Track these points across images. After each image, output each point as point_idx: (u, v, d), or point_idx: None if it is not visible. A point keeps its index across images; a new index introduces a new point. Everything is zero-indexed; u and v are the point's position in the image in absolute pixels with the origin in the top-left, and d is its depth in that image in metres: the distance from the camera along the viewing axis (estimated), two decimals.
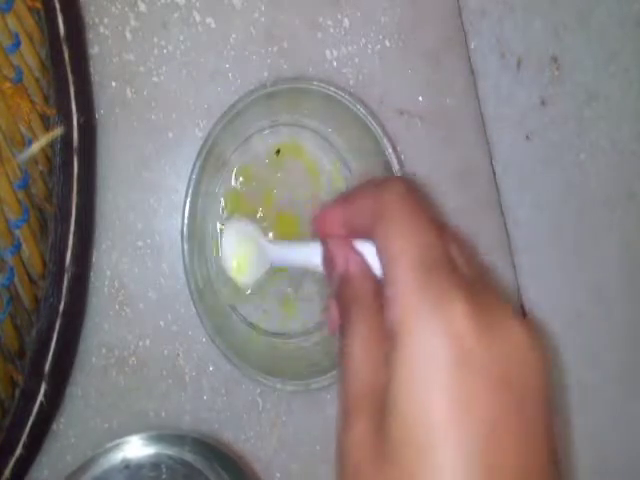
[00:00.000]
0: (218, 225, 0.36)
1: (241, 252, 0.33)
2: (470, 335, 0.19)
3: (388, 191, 0.23)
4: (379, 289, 0.22)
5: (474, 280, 0.22)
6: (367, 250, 0.24)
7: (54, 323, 0.37)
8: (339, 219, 0.25)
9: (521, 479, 0.19)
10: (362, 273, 0.24)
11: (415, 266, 0.20)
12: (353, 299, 0.23)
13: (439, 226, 0.22)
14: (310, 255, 0.27)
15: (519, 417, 0.19)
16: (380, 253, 0.22)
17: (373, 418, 0.20)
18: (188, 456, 0.37)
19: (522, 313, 0.45)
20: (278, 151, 0.41)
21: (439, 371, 0.19)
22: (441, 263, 0.21)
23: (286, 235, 0.41)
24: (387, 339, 0.20)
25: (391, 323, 0.20)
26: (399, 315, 0.20)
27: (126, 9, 0.40)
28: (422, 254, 0.21)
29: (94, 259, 0.40)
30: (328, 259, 0.25)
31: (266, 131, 0.41)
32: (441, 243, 0.21)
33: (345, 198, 0.25)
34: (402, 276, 0.20)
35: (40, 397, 0.36)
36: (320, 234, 0.26)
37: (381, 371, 0.20)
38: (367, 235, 0.23)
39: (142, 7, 0.40)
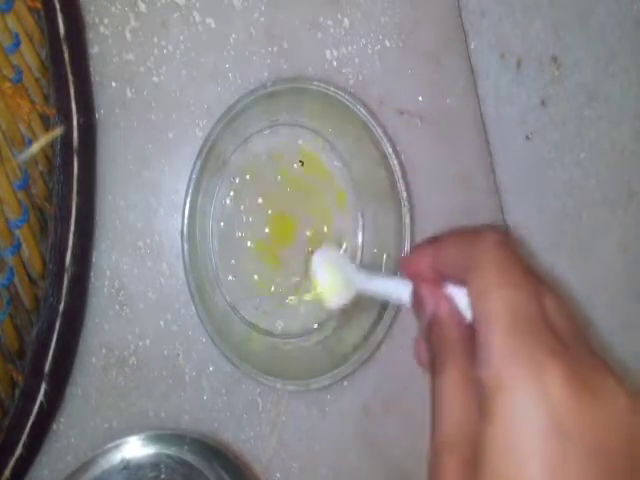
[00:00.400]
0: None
1: (330, 278, 0.34)
2: (566, 404, 0.19)
3: (483, 241, 0.22)
4: (469, 333, 0.23)
5: (570, 338, 0.22)
6: (457, 294, 0.24)
7: (54, 323, 0.37)
8: (429, 262, 0.25)
9: None
10: (451, 317, 0.24)
11: (509, 329, 0.20)
12: (443, 343, 0.24)
13: (534, 280, 0.22)
14: (397, 289, 0.28)
15: None
16: (473, 307, 0.22)
17: (465, 468, 0.20)
18: (187, 456, 0.37)
19: None
20: (302, 163, 0.41)
21: (533, 438, 0.19)
22: (536, 325, 0.20)
23: (283, 234, 0.41)
24: (479, 388, 0.20)
25: (483, 383, 0.20)
26: (492, 379, 0.20)
27: (126, 9, 0.40)
28: (516, 315, 0.20)
29: (94, 259, 0.40)
30: (417, 300, 0.26)
31: (266, 131, 0.41)
32: (536, 300, 0.21)
33: (438, 242, 0.25)
34: (495, 339, 0.20)
35: (40, 397, 0.36)
36: (409, 274, 0.27)
37: (473, 420, 0.20)
38: (458, 281, 0.24)
39: (142, 7, 0.40)
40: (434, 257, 0.25)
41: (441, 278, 0.25)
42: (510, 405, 0.19)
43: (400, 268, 0.27)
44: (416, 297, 0.26)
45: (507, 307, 0.21)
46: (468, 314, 0.24)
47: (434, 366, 0.23)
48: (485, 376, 0.20)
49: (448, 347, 0.23)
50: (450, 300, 0.25)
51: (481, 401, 0.20)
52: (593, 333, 0.46)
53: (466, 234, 0.24)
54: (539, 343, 0.20)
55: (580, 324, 0.23)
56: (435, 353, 0.24)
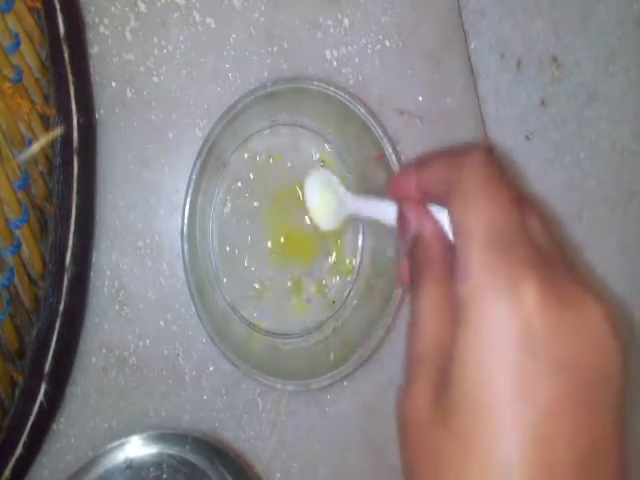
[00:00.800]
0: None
1: (322, 199, 0.35)
2: (538, 318, 0.19)
3: (467, 160, 0.22)
4: (450, 253, 0.22)
5: (550, 255, 0.22)
6: (440, 215, 0.25)
7: (54, 323, 0.37)
8: (414, 183, 0.25)
9: (575, 464, 0.19)
10: (434, 236, 0.24)
11: (488, 244, 0.20)
12: (424, 261, 0.24)
13: (517, 197, 0.22)
14: (385, 212, 0.28)
15: (581, 405, 0.19)
16: (454, 224, 0.22)
17: (435, 379, 0.21)
18: (190, 455, 0.37)
19: None
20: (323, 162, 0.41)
21: (504, 351, 0.19)
22: (516, 240, 0.20)
23: (283, 233, 0.41)
24: (456, 305, 0.20)
25: (461, 296, 0.20)
26: (469, 291, 0.20)
27: (126, 9, 0.40)
28: (497, 231, 0.20)
29: (94, 259, 0.40)
30: (402, 220, 0.26)
31: (266, 131, 0.41)
32: (518, 217, 0.21)
33: (423, 162, 0.25)
34: (475, 253, 0.20)
35: (40, 397, 0.36)
36: (395, 196, 0.27)
37: (447, 335, 0.21)
38: (442, 201, 0.24)
39: (142, 7, 0.40)
40: (420, 177, 0.25)
41: (427, 199, 0.25)
42: (483, 314, 0.19)
43: (387, 189, 0.27)
44: (400, 217, 0.26)
45: (487, 221, 0.21)
46: (451, 234, 0.24)
47: (414, 285, 0.23)
48: (461, 289, 0.20)
49: (428, 265, 0.23)
50: (434, 220, 0.25)
51: (457, 315, 0.20)
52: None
53: (451, 153, 0.24)
54: (517, 257, 0.20)
55: (562, 244, 0.23)
56: (416, 272, 0.24)
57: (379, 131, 0.37)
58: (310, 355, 0.41)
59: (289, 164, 0.41)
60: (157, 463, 0.37)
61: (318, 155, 0.41)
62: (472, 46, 0.45)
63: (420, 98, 0.43)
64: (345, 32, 0.42)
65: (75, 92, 0.37)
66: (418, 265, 0.24)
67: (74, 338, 0.39)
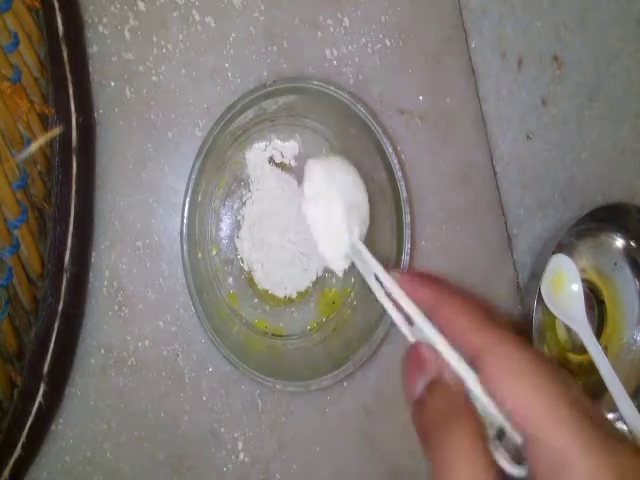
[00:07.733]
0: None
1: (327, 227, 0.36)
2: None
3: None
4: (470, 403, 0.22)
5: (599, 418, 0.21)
6: (451, 357, 0.23)
7: (53, 324, 0.36)
8: (432, 294, 0.25)
9: None
10: (459, 385, 0.23)
11: (578, 417, 0.20)
12: (450, 410, 0.22)
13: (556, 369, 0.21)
14: (374, 271, 0.29)
15: None
16: (513, 405, 0.21)
17: None
18: None
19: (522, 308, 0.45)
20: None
21: None
22: (585, 412, 0.20)
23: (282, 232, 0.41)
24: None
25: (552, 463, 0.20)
26: (564, 459, 0.20)
27: (125, 8, 0.40)
28: (570, 405, 0.20)
29: (93, 259, 0.40)
30: (415, 359, 0.24)
31: (266, 131, 0.41)
32: (573, 390, 0.21)
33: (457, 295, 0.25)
34: (557, 430, 0.20)
35: (39, 398, 0.36)
36: (407, 290, 0.27)
37: None
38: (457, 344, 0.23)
39: (141, 6, 0.40)
40: (440, 300, 0.25)
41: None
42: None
43: (400, 280, 0.27)
44: (413, 355, 0.24)
45: (560, 403, 0.20)
46: (462, 373, 0.23)
47: (433, 438, 0.22)
48: (550, 457, 0.20)
49: (457, 416, 0.22)
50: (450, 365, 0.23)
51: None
52: None
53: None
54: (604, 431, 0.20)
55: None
56: (436, 423, 0.22)
57: (379, 131, 0.37)
58: (310, 355, 0.40)
59: (289, 164, 0.41)
60: None
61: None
62: (473, 45, 0.44)
63: (420, 98, 0.43)
64: (345, 31, 0.42)
65: (74, 91, 0.37)
66: (441, 413, 0.22)
67: (73, 339, 0.39)
